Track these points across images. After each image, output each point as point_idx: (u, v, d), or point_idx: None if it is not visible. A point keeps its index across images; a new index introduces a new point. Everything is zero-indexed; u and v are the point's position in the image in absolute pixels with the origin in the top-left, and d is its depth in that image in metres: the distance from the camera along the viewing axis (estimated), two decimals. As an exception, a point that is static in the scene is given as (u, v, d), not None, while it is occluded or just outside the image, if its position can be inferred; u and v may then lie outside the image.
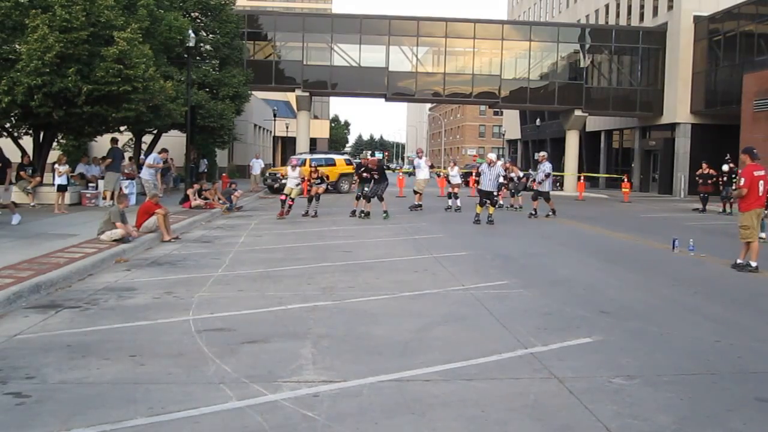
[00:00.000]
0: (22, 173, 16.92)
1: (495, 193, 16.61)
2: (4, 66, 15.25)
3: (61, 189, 15.69)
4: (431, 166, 22.47)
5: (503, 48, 36.26)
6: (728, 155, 23.51)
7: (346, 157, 33.16)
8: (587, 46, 37.36)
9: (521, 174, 23.82)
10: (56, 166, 16.38)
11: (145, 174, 18.22)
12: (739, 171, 10.42)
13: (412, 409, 4.18)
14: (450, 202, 20.34)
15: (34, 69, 14.34)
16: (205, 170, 26.75)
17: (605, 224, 17.42)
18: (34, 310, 6.60)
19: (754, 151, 10.18)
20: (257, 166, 30.92)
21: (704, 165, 24.08)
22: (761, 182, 9.90)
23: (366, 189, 17.42)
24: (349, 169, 28.67)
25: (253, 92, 35.73)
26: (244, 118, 34.65)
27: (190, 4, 25.13)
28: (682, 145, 34.54)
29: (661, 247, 12.65)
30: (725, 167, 22.84)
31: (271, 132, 52.04)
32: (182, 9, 24.12)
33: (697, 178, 24.73)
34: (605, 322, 6.56)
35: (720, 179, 23.35)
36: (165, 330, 5.95)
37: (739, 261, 10.07)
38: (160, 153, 19.25)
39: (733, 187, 12.50)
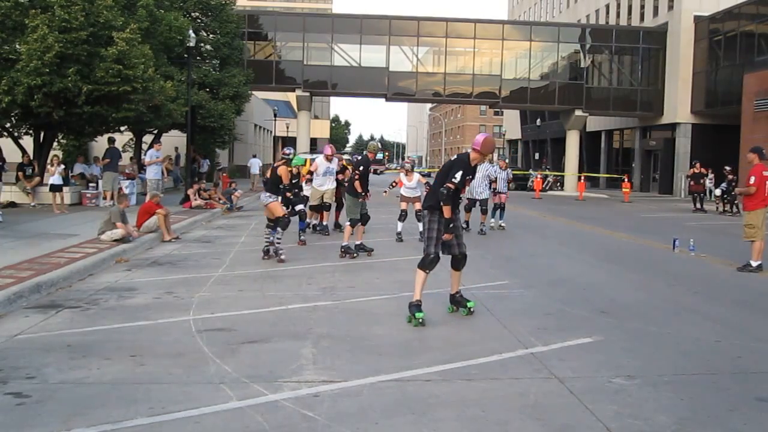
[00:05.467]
0: (19, 174, 16.90)
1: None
2: (4, 66, 15.25)
3: (54, 189, 15.62)
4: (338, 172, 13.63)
5: (503, 48, 36.26)
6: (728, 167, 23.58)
7: (347, 157, 33.04)
8: (587, 46, 37.34)
9: None
10: (48, 166, 16.32)
11: (150, 173, 18.15)
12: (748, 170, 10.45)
13: (413, 409, 4.18)
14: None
15: (34, 69, 14.34)
16: (206, 171, 26.70)
17: (606, 224, 17.42)
18: (34, 310, 6.60)
19: (764, 151, 10.24)
20: (256, 165, 30.92)
21: (697, 165, 24.11)
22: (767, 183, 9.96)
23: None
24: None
25: (254, 92, 35.73)
26: (244, 118, 34.65)
27: (190, 4, 25.16)
28: (683, 145, 34.53)
29: (662, 247, 12.65)
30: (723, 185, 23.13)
31: (271, 132, 52.05)
32: (182, 9, 24.14)
33: (689, 179, 24.77)
34: (605, 322, 6.56)
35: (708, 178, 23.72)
36: (165, 330, 5.95)
37: (752, 263, 10.00)
38: (153, 146, 19.21)
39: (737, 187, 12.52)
